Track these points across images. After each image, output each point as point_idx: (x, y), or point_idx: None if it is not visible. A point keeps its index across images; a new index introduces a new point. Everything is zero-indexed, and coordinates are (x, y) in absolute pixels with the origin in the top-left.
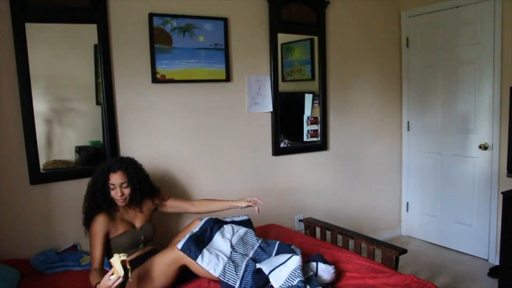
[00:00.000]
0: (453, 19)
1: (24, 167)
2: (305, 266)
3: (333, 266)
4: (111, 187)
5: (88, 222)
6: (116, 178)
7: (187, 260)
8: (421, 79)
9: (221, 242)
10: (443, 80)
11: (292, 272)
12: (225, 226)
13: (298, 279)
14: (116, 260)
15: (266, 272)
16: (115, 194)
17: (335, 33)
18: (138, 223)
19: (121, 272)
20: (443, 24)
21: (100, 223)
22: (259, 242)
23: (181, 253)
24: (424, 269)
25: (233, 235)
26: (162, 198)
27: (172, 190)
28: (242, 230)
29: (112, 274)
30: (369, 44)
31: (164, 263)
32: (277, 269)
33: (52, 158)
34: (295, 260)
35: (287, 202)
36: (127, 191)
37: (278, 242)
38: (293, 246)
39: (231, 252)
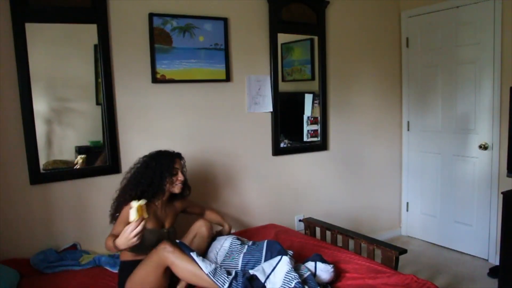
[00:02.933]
0: (453, 19)
1: (24, 167)
2: (302, 266)
3: (332, 266)
4: (175, 171)
5: (121, 204)
6: (180, 164)
7: (170, 260)
8: (421, 79)
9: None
10: (443, 80)
11: (286, 274)
12: (208, 252)
13: (295, 280)
14: (134, 205)
15: (262, 280)
16: (178, 177)
17: (335, 33)
18: (167, 224)
19: (132, 217)
20: (443, 24)
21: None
22: (246, 247)
23: (165, 254)
24: (424, 269)
25: (217, 254)
26: (189, 201)
27: None
28: (226, 243)
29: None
30: (369, 44)
31: (149, 266)
32: (271, 275)
33: (52, 158)
34: (285, 261)
35: (287, 202)
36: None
37: (266, 241)
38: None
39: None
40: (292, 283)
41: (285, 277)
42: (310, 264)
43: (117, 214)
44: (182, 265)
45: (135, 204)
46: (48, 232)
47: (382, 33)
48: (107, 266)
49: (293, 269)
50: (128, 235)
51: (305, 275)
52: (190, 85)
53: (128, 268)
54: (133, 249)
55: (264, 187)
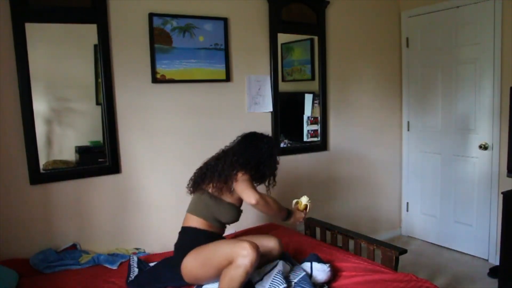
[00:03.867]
0: (453, 19)
1: (24, 167)
2: (298, 267)
3: (328, 265)
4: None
5: (232, 171)
6: None
7: (237, 264)
8: (421, 79)
9: None
10: (443, 80)
11: (275, 277)
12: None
13: (282, 286)
14: (306, 200)
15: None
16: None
17: (335, 33)
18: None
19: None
20: (443, 24)
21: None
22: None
23: (243, 253)
24: (424, 269)
25: None
26: None
27: (170, 190)
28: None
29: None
30: (369, 44)
31: (223, 249)
32: (264, 278)
33: (52, 158)
34: (275, 265)
35: (287, 202)
36: None
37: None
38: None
39: None
40: (279, 287)
41: (272, 281)
42: (306, 265)
43: (224, 183)
44: (231, 276)
45: (306, 199)
46: (48, 232)
47: (382, 33)
48: (106, 264)
49: (281, 273)
50: (301, 218)
51: (299, 277)
52: (190, 85)
53: (197, 234)
54: (214, 223)
55: (263, 187)
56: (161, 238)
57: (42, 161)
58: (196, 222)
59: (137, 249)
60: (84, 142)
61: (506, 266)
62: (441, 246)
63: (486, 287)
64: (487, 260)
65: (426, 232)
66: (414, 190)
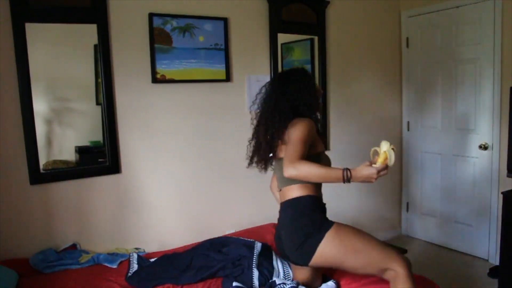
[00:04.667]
0: (453, 19)
1: (24, 167)
2: None
3: (333, 281)
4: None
5: (286, 120)
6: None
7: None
8: (421, 79)
9: None
10: (443, 80)
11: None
12: None
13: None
14: (386, 147)
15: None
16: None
17: (335, 33)
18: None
19: (392, 161)
20: (443, 24)
21: (313, 127)
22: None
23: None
24: (424, 269)
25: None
26: None
27: (170, 191)
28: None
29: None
30: (369, 44)
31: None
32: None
33: (52, 158)
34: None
35: None
36: None
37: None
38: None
39: None
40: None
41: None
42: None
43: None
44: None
45: (386, 146)
46: (48, 232)
47: (382, 33)
48: (106, 263)
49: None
50: (376, 175)
51: None
52: (190, 85)
53: (312, 201)
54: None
55: (264, 187)
56: (161, 238)
57: (42, 161)
58: (300, 190)
59: (137, 249)
60: (84, 142)
61: (506, 266)
62: (441, 246)
63: (486, 287)
64: (487, 260)
65: (426, 232)
66: (414, 190)
